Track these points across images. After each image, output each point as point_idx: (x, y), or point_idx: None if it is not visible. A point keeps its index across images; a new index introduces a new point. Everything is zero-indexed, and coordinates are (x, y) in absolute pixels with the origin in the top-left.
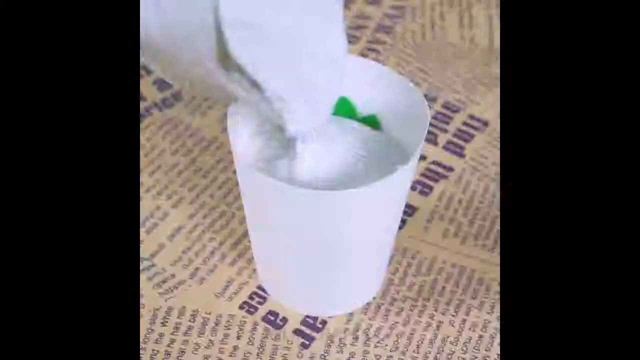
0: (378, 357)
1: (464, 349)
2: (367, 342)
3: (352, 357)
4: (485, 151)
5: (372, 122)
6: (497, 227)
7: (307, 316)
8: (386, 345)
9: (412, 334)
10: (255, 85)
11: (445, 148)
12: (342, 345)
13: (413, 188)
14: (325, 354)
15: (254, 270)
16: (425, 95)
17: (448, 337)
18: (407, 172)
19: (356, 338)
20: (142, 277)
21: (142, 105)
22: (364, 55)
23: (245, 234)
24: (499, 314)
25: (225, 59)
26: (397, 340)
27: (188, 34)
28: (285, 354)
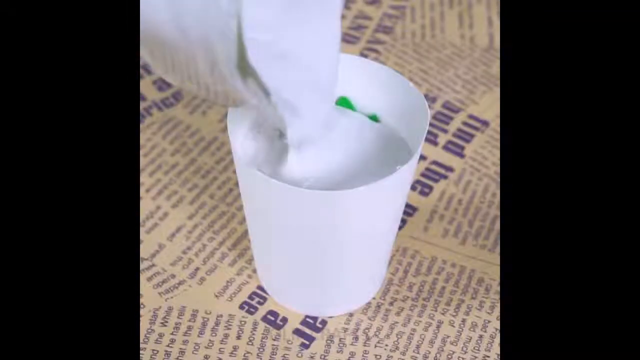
0: (378, 357)
1: (464, 349)
2: (367, 342)
3: (352, 357)
4: (485, 151)
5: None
6: (497, 227)
7: (307, 316)
8: (386, 345)
9: (412, 334)
10: (265, 91)
11: (445, 148)
12: (342, 345)
13: (413, 188)
14: (325, 354)
15: (254, 270)
16: (425, 95)
17: (448, 337)
18: (407, 172)
19: (356, 338)
20: (142, 277)
21: (142, 105)
22: (364, 55)
23: (245, 234)
24: (499, 314)
25: (242, 64)
26: (397, 341)
27: (206, 37)
28: (286, 354)
